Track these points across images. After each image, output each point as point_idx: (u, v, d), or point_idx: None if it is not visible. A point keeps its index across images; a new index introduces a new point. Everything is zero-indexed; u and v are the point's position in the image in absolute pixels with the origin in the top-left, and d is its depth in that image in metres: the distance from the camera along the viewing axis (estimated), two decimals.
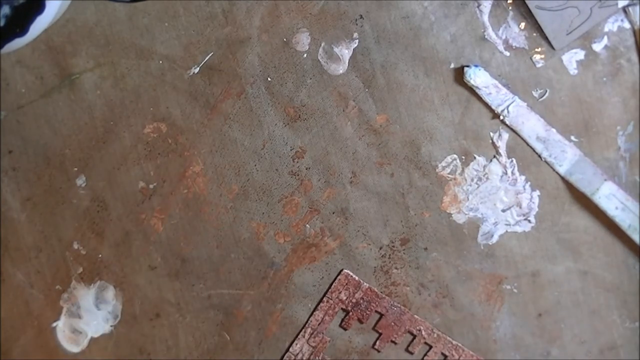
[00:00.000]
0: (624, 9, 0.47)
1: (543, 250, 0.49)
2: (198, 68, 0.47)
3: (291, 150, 0.48)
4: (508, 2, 0.47)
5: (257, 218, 0.49)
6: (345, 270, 0.48)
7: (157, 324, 0.49)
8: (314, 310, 0.49)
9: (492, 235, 0.49)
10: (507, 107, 0.47)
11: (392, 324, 0.49)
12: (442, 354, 0.49)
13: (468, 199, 0.49)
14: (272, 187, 0.48)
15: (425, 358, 0.49)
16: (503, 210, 0.49)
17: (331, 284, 0.49)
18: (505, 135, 0.48)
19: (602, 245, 0.49)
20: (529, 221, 0.49)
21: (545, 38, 0.47)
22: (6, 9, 0.38)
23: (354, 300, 0.48)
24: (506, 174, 0.49)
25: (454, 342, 0.49)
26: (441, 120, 0.48)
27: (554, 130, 0.48)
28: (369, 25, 0.47)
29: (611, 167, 0.48)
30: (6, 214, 0.48)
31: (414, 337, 0.49)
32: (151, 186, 0.48)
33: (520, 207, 0.49)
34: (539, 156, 0.48)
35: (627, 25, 0.47)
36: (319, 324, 0.48)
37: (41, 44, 0.46)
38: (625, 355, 0.50)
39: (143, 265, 0.49)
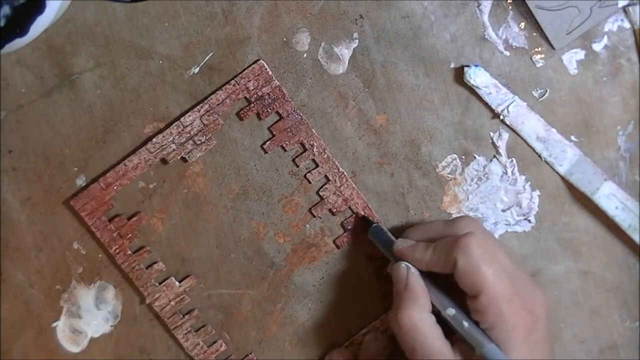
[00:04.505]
0: (624, 9, 0.47)
1: (543, 250, 0.49)
2: (198, 68, 0.47)
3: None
4: (508, 1, 0.47)
5: (257, 218, 0.49)
6: (262, 61, 0.47)
7: (157, 324, 0.49)
8: (217, 90, 0.47)
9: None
10: (507, 107, 0.47)
11: (288, 129, 0.47)
12: (326, 176, 0.48)
13: (468, 199, 0.49)
14: (272, 187, 0.48)
15: (307, 175, 0.48)
16: (503, 210, 0.49)
17: (243, 70, 0.47)
18: (505, 135, 0.48)
19: (602, 245, 0.49)
20: (529, 221, 0.49)
21: (545, 38, 0.47)
22: (6, 9, 0.38)
23: (259, 93, 0.47)
24: (506, 174, 0.49)
25: (340, 169, 0.48)
26: (441, 120, 0.48)
27: (554, 130, 0.48)
28: (369, 25, 0.47)
29: (611, 167, 0.48)
30: (6, 214, 0.48)
31: (305, 150, 0.48)
32: (151, 186, 0.48)
33: (520, 207, 0.49)
34: (539, 156, 0.48)
35: (627, 25, 0.47)
36: (218, 104, 0.46)
37: (41, 44, 0.46)
38: (625, 355, 0.50)
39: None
